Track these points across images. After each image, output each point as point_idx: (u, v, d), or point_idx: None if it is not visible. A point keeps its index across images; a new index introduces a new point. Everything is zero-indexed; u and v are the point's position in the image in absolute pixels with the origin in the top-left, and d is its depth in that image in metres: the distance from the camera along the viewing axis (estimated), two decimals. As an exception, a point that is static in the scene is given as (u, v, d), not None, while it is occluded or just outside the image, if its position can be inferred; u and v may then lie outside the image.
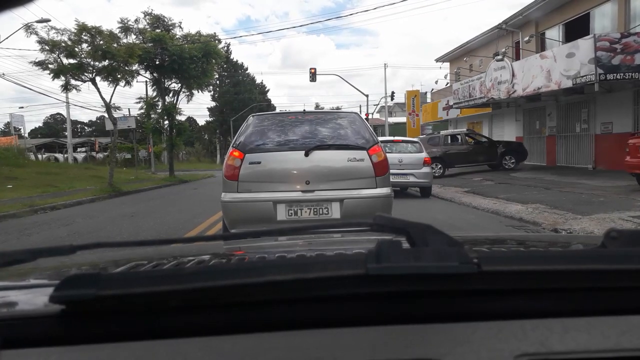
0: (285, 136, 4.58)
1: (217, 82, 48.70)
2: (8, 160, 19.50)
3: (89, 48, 14.44)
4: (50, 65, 14.24)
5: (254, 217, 4.26)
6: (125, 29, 18.69)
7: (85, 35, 14.29)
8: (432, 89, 31.78)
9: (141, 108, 22.91)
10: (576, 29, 15.51)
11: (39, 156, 33.17)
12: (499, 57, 16.19)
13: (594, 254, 0.68)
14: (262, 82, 56.68)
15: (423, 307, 0.63)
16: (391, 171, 4.84)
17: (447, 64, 28.73)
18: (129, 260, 1.10)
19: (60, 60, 14.33)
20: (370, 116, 33.91)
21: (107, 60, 14.67)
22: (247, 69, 54.61)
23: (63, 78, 14.78)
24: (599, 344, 0.58)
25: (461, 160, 17.01)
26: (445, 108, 24.94)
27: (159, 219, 8.38)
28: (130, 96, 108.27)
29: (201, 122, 58.72)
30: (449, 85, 25.65)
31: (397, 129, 32.39)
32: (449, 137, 17.65)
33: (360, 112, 30.87)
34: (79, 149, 45.74)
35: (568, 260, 0.67)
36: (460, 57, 24.98)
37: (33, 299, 0.77)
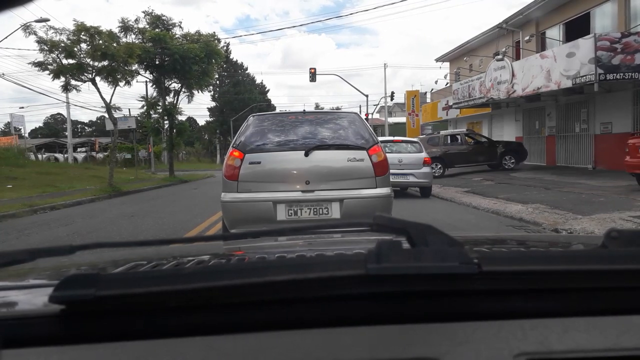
0: (285, 136, 4.58)
1: (217, 82, 48.76)
2: (8, 160, 19.51)
3: (89, 48, 14.43)
4: (49, 66, 14.24)
5: (254, 217, 4.26)
6: (126, 28, 18.71)
7: (84, 35, 14.28)
8: (432, 89, 31.76)
9: (142, 107, 22.96)
10: (577, 29, 15.51)
11: (39, 156, 33.17)
12: (499, 56, 16.18)
13: (594, 254, 0.68)
14: (262, 82, 56.76)
15: (423, 307, 0.63)
16: (391, 171, 4.83)
17: (447, 64, 28.73)
18: (128, 260, 1.10)
19: (60, 60, 14.33)
20: (370, 116, 33.87)
21: (106, 61, 14.67)
22: (247, 69, 54.70)
23: (63, 78, 14.78)
24: (598, 343, 0.58)
25: (461, 160, 17.02)
26: (445, 108, 24.94)
27: (158, 219, 8.38)
28: (131, 96, 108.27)
29: (201, 122, 58.84)
30: (448, 85, 25.64)
31: (397, 129, 32.38)
32: (449, 137, 17.66)
33: (360, 112, 30.90)
34: (79, 149, 45.71)
35: (568, 261, 0.66)
36: (460, 57, 24.98)
37: (33, 299, 0.77)
